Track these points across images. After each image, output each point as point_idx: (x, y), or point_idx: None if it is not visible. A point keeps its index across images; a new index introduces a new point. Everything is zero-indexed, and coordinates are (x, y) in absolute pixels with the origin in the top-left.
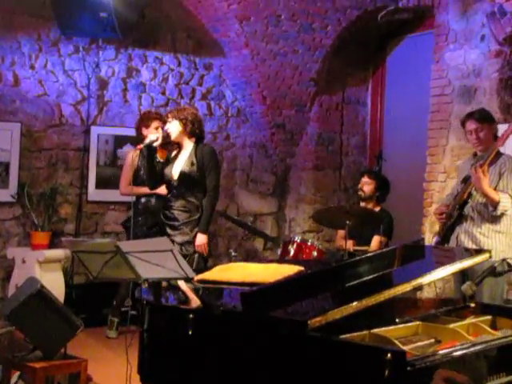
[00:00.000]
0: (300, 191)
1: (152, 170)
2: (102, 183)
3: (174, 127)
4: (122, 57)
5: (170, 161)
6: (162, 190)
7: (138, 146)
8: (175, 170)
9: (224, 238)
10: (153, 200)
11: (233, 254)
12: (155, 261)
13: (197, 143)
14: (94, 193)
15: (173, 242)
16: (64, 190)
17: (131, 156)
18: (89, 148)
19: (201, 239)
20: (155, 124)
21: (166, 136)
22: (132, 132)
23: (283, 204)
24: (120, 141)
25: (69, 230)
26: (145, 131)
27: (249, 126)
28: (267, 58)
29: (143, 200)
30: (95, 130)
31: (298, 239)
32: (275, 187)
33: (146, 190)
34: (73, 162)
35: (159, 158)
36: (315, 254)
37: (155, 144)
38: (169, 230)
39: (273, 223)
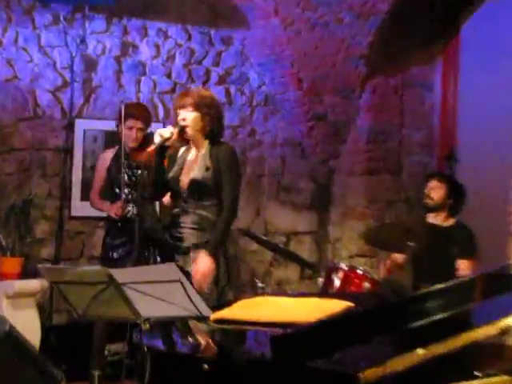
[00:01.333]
0: (347, 203)
1: (160, 175)
2: (89, 193)
3: (193, 121)
4: (114, 29)
5: (171, 164)
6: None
7: (150, 148)
8: (185, 177)
9: (248, 263)
10: (128, 208)
11: (259, 284)
12: (159, 294)
13: (212, 142)
14: (78, 206)
15: (182, 270)
16: (40, 203)
17: (103, 161)
18: (72, 148)
19: (204, 264)
20: (130, 122)
21: (181, 132)
22: None
23: (325, 220)
24: (112, 138)
25: (46, 255)
26: (120, 128)
27: (280, 117)
28: (303, 29)
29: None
30: (80, 124)
31: (344, 266)
32: (314, 198)
33: (112, 207)
34: (51, 165)
35: (133, 160)
36: (367, 285)
37: (168, 143)
38: (175, 255)
39: (312, 245)
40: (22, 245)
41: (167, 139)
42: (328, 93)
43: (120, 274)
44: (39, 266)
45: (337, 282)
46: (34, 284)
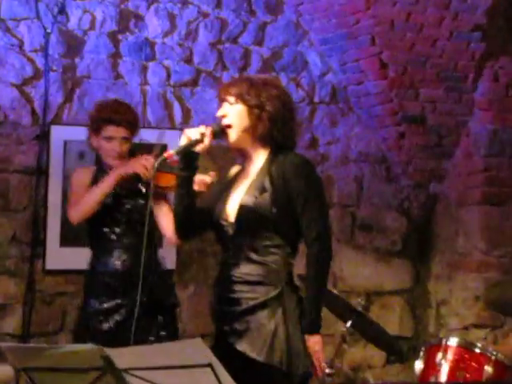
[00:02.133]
0: (457, 247)
1: (191, 200)
2: (72, 235)
3: (237, 118)
4: None
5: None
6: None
7: (166, 154)
8: (231, 205)
9: None
10: (116, 259)
11: (327, 370)
12: None
13: (273, 152)
14: (57, 254)
15: (229, 347)
16: (1, 251)
17: (82, 176)
18: (47, 168)
19: (315, 344)
20: (107, 131)
21: (219, 133)
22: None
23: (424, 273)
24: None
25: (11, 328)
26: (94, 140)
27: (354, 120)
28: None
29: (115, 259)
30: (59, 134)
31: (454, 342)
32: (408, 240)
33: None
34: (18, 194)
35: (160, 184)
36: (489, 370)
37: (199, 148)
38: (225, 327)
39: (404, 310)
40: None
41: (194, 144)
42: (427, 83)
43: (120, 356)
44: (1, 344)
45: (444, 367)
46: None
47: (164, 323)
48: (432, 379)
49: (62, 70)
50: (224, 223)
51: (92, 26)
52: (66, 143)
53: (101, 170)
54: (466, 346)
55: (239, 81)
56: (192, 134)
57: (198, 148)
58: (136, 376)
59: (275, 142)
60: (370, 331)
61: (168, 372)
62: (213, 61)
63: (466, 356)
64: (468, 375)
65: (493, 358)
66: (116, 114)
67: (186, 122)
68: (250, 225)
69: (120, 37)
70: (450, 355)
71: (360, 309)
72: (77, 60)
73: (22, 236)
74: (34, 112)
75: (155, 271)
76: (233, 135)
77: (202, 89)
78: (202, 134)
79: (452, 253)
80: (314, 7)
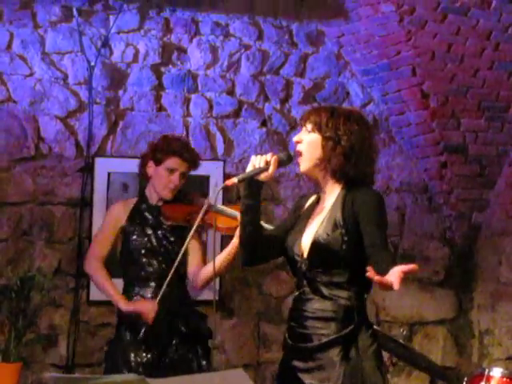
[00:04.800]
0: (500, 276)
1: (254, 228)
2: (115, 266)
3: (309, 146)
4: (151, 25)
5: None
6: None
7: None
8: (305, 240)
9: None
10: (149, 291)
11: None
12: None
13: (348, 187)
14: None
15: (298, 382)
16: (46, 282)
17: (117, 211)
18: (91, 200)
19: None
20: (172, 162)
21: (285, 162)
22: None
23: (467, 302)
24: None
25: (56, 358)
26: (151, 169)
27: (396, 150)
28: (429, 19)
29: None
30: (103, 166)
31: (499, 373)
32: (450, 270)
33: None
34: (62, 226)
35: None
36: None
37: (263, 176)
38: (295, 362)
39: (447, 340)
40: (19, 344)
41: (259, 172)
42: (468, 113)
43: None
44: (46, 375)
45: None
46: None
47: (203, 353)
48: None
49: (106, 102)
50: (298, 259)
51: (135, 59)
52: (109, 175)
53: (143, 202)
54: (509, 377)
55: (322, 109)
56: (257, 161)
57: (263, 176)
58: None
59: (349, 177)
60: (413, 360)
61: None
62: (254, 92)
63: None
64: None
65: None
66: (184, 149)
67: (228, 153)
68: (323, 261)
69: (163, 69)
70: None
71: (401, 340)
72: (120, 92)
73: (66, 267)
74: (77, 144)
75: (187, 302)
76: (303, 164)
77: (244, 120)
78: (267, 163)
79: (495, 282)
80: (354, 38)
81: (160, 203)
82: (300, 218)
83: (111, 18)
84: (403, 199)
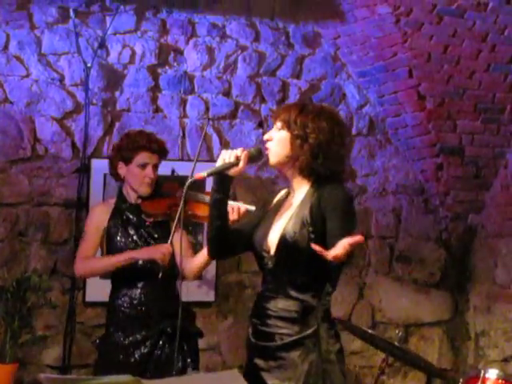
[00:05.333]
0: (496, 278)
1: (222, 222)
2: None
3: (278, 143)
4: (148, 26)
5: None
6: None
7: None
8: (272, 237)
9: (348, 369)
10: (137, 291)
11: None
12: None
13: (316, 184)
14: (97, 287)
15: (260, 381)
16: (41, 283)
17: (98, 213)
18: (87, 200)
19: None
20: (142, 158)
21: (256, 158)
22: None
23: (463, 304)
24: None
25: (51, 359)
26: (122, 170)
27: (392, 152)
28: (425, 21)
29: (124, 295)
30: (99, 167)
31: (494, 375)
32: (446, 272)
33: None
34: (58, 227)
35: (197, 213)
36: None
37: (233, 171)
38: (257, 360)
39: (443, 341)
40: (14, 344)
41: (229, 166)
42: (464, 115)
43: None
44: (41, 375)
45: None
46: None
47: (188, 351)
48: None
49: (102, 103)
50: (265, 255)
51: (131, 60)
52: (105, 176)
53: (122, 202)
54: (505, 378)
55: (292, 107)
56: (227, 156)
57: (233, 171)
58: None
59: (317, 174)
60: (409, 359)
61: None
62: (251, 93)
63: None
64: None
65: None
66: (150, 142)
67: None
68: (289, 259)
69: (159, 70)
70: None
71: (396, 342)
72: (117, 94)
73: (62, 268)
74: (74, 145)
75: (175, 301)
76: (272, 159)
77: (241, 121)
78: (237, 158)
79: (491, 284)
80: (351, 40)
81: (139, 201)
82: (268, 213)
83: (108, 19)
84: (399, 201)
